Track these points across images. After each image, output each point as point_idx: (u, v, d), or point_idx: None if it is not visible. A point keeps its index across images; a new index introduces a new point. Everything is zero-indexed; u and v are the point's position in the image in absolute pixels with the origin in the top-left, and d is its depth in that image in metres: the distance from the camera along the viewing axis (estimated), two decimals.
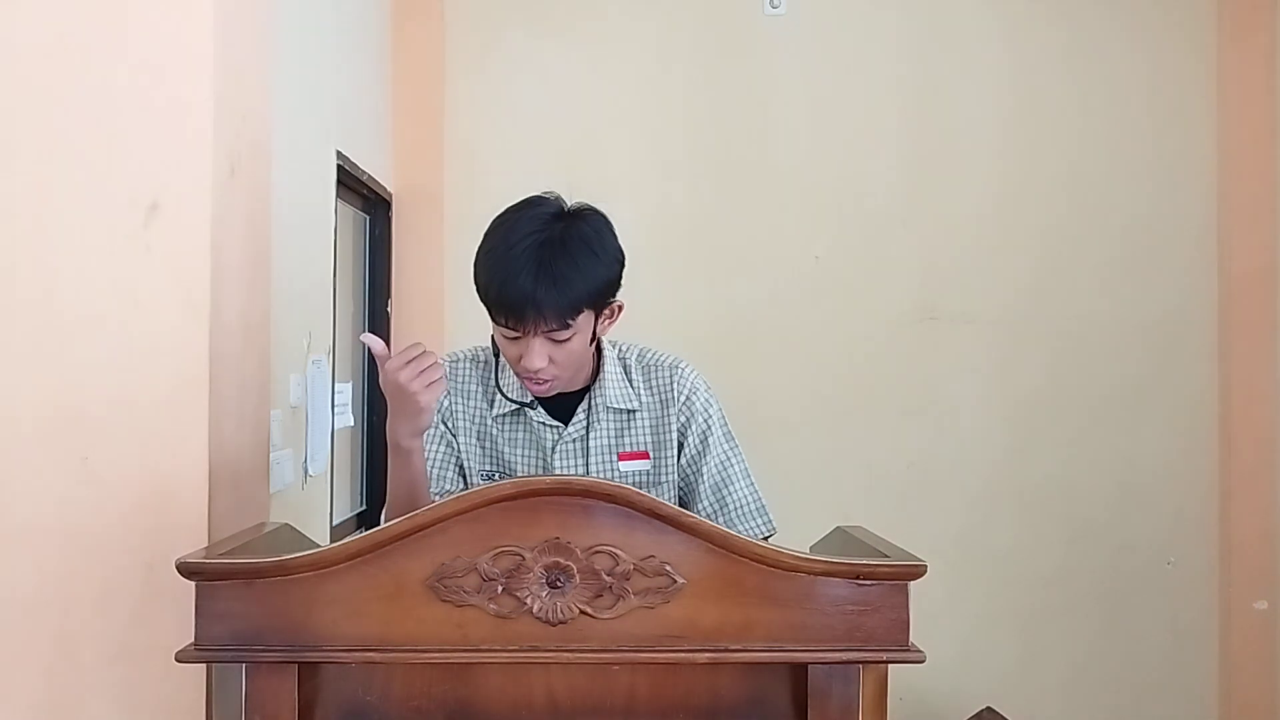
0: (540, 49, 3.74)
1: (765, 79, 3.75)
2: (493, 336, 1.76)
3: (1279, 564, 3.61)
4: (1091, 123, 3.74)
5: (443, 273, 3.63)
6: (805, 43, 3.75)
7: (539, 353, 1.66)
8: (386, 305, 3.56)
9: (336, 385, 2.89)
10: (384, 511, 1.73)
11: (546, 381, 1.71)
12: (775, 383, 3.68)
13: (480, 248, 1.70)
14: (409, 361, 1.57)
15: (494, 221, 1.71)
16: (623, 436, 1.81)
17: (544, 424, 1.80)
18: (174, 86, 1.70)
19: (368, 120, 3.39)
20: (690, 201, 3.71)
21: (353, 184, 3.20)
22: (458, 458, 1.81)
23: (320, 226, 2.77)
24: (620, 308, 1.75)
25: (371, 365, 3.41)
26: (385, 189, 3.54)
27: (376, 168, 3.38)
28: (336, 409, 2.88)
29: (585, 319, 1.68)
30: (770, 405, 3.63)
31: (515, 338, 1.67)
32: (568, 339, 1.67)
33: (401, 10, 3.68)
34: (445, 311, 3.56)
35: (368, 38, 3.40)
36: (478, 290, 1.69)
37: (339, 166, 2.93)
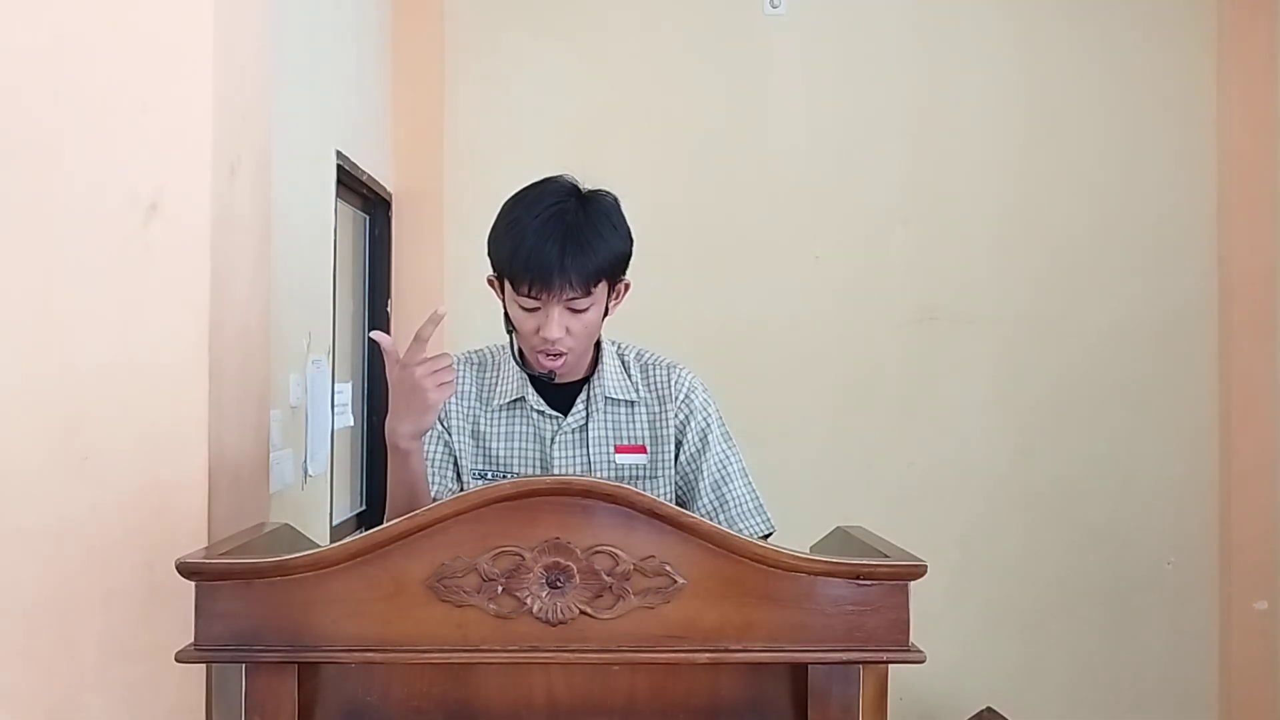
0: (540, 49, 3.74)
1: (765, 79, 3.75)
2: (506, 315, 1.77)
3: (1279, 564, 3.61)
4: (1091, 123, 3.74)
5: (443, 273, 3.64)
6: (805, 43, 3.75)
7: (558, 322, 1.69)
8: (386, 305, 3.56)
9: (336, 385, 2.89)
10: (385, 515, 1.73)
11: (562, 355, 1.72)
12: (775, 383, 3.68)
13: (498, 223, 1.73)
14: (425, 359, 1.59)
15: (511, 199, 1.75)
16: (620, 429, 1.82)
17: (543, 414, 1.80)
18: (174, 86, 1.70)
19: (368, 120, 3.39)
20: (690, 201, 3.71)
21: (353, 184, 3.19)
22: (455, 458, 1.81)
23: (320, 226, 2.77)
24: (628, 286, 1.79)
25: (372, 365, 3.41)
26: (385, 189, 3.54)
27: (376, 168, 3.38)
28: (336, 409, 2.88)
29: (601, 290, 1.72)
30: (770, 405, 3.64)
31: (534, 309, 1.70)
32: (586, 309, 1.70)
33: (401, 10, 3.67)
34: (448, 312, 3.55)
35: (368, 38, 3.40)
36: (497, 263, 1.73)
37: (339, 166, 2.93)
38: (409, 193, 3.67)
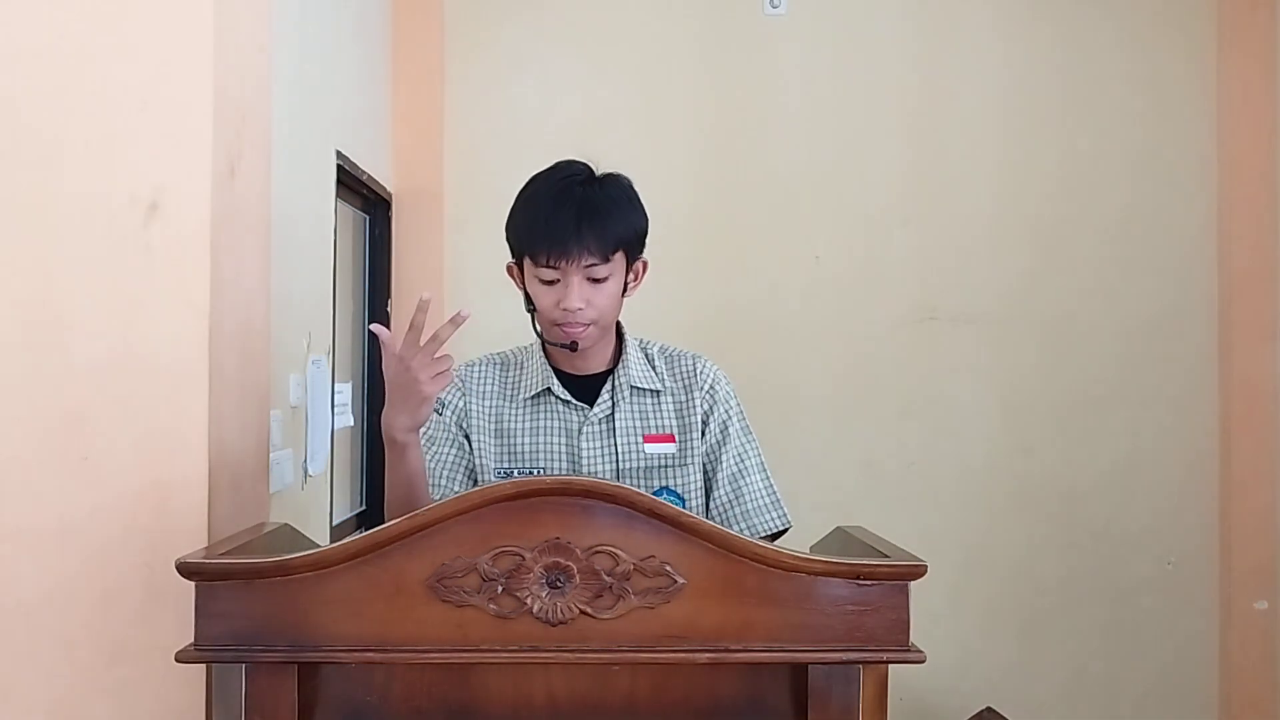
0: (540, 49, 3.74)
1: (765, 79, 3.75)
2: (526, 297, 1.78)
3: (1279, 564, 3.61)
4: (1091, 122, 3.74)
5: (443, 273, 3.63)
6: (805, 43, 3.75)
7: (578, 292, 1.70)
8: (386, 305, 3.56)
9: (336, 385, 2.89)
10: (385, 509, 1.73)
11: (584, 326, 1.72)
12: (775, 382, 3.67)
13: (514, 205, 1.77)
14: (419, 350, 1.56)
15: (528, 181, 1.79)
16: (648, 419, 1.82)
17: (569, 404, 1.80)
18: (174, 86, 1.70)
19: (368, 120, 3.39)
20: (690, 201, 3.70)
21: (353, 184, 3.19)
22: (468, 461, 1.80)
23: (320, 226, 2.77)
24: (646, 266, 1.81)
25: (372, 366, 3.41)
26: (385, 189, 3.54)
27: (376, 168, 3.38)
28: (336, 409, 2.88)
29: (619, 263, 1.73)
30: (770, 405, 3.62)
31: (553, 281, 1.71)
32: (605, 279, 1.71)
33: (401, 10, 3.67)
34: (445, 312, 3.54)
35: (368, 38, 3.40)
36: (515, 239, 1.75)
37: (339, 166, 2.93)
38: (409, 193, 3.67)
